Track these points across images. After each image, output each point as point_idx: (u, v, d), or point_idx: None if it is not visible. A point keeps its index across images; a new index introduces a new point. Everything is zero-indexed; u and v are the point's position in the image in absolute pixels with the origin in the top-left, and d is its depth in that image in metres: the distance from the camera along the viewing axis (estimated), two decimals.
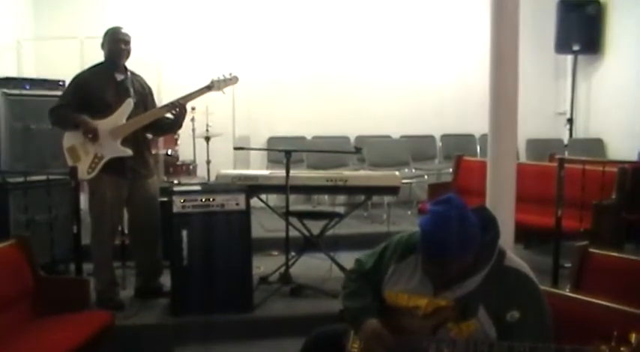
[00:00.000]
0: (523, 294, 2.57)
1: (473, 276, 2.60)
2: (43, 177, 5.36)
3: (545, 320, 2.58)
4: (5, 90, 5.71)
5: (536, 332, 2.49)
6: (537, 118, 9.06)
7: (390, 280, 2.83)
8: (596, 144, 9.11)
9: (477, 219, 2.61)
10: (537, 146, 9.05)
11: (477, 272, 2.61)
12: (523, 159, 8.75)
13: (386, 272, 2.85)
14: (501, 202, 4.33)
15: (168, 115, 5.12)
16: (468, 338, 2.54)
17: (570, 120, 9.44)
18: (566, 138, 9.40)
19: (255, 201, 5.63)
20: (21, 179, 5.36)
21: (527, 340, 2.44)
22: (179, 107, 5.04)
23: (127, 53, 5.07)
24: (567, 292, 3.32)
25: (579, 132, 9.51)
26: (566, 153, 8.64)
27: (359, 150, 7.22)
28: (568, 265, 4.14)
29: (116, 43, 5.01)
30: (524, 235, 5.94)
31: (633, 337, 2.19)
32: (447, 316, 2.60)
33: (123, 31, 5.07)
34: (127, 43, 5.05)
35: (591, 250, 3.68)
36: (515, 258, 2.73)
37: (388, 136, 9.27)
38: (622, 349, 2.18)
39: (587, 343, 2.28)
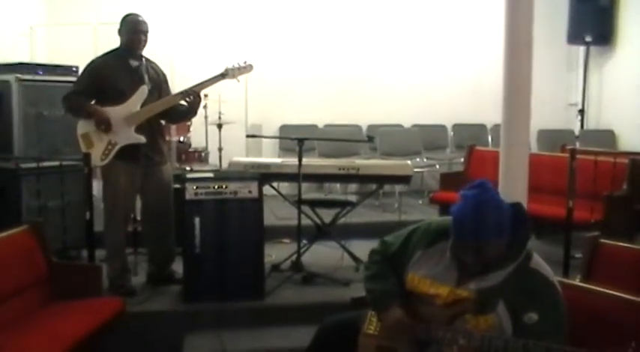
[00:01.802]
0: (544, 299, 2.59)
1: (498, 270, 2.63)
2: (55, 163, 5.39)
3: (561, 328, 2.59)
4: (19, 76, 5.69)
5: (550, 338, 2.48)
6: (549, 109, 9.02)
7: (415, 264, 2.85)
8: (608, 136, 9.09)
9: (510, 211, 2.64)
10: (549, 137, 9.05)
11: (503, 267, 2.63)
12: (534, 149, 8.73)
13: (411, 256, 2.87)
14: (514, 192, 4.32)
15: (183, 103, 5.13)
16: (484, 332, 2.55)
17: (582, 112, 9.40)
18: (577, 129, 9.37)
19: (267, 189, 5.64)
20: (34, 165, 5.38)
21: (544, 341, 2.44)
22: (193, 95, 5.05)
23: (145, 43, 5.07)
24: (578, 282, 3.33)
25: (590, 124, 9.48)
26: (578, 144, 8.61)
27: (371, 138, 7.24)
28: (579, 256, 4.15)
29: (136, 34, 5.00)
30: (536, 225, 5.95)
31: None
32: (466, 308, 2.62)
33: (141, 19, 5.05)
34: (146, 33, 5.05)
35: (602, 241, 3.71)
36: (542, 262, 2.73)
37: (400, 125, 9.27)
38: None
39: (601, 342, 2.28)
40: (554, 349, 2.40)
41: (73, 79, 5.33)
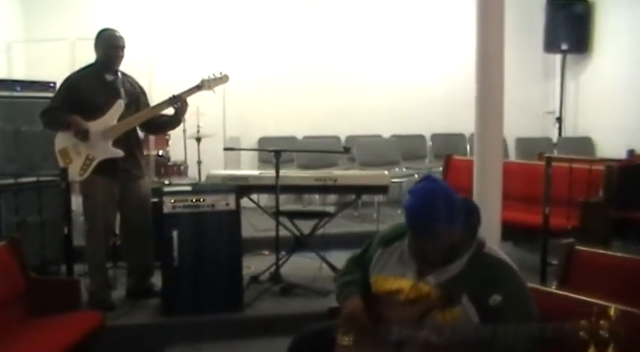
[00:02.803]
0: (503, 279, 2.65)
1: (455, 261, 2.69)
2: (33, 179, 5.38)
3: (527, 300, 2.66)
4: None
5: (520, 313, 2.57)
6: (526, 117, 9.11)
7: (377, 265, 2.92)
8: (585, 143, 9.16)
9: (460, 200, 2.72)
10: (526, 145, 9.09)
11: (459, 257, 2.70)
12: (512, 157, 8.82)
13: (372, 257, 2.95)
14: (488, 200, 4.37)
15: (166, 112, 5.13)
16: (453, 325, 2.59)
17: (559, 119, 9.49)
18: (555, 137, 9.45)
19: (246, 201, 5.67)
20: (11, 181, 5.37)
21: (513, 321, 2.51)
22: (180, 101, 5.06)
23: (122, 58, 5.08)
24: (553, 289, 3.36)
25: (568, 131, 9.56)
26: (555, 151, 8.70)
27: (347, 149, 7.27)
28: (556, 262, 4.18)
29: (114, 50, 5.02)
30: (513, 233, 5.98)
31: (612, 310, 2.29)
32: (433, 304, 2.66)
33: (118, 34, 5.06)
34: (123, 48, 5.06)
35: (577, 247, 3.71)
36: (495, 248, 2.82)
37: (379, 136, 9.30)
38: (601, 322, 2.27)
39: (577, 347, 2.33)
40: (523, 328, 2.46)
41: (51, 94, 5.33)
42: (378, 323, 2.81)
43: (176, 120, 5.25)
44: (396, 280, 2.80)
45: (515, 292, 2.64)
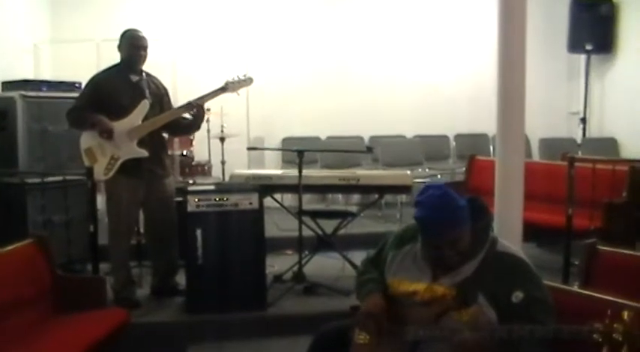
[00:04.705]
0: (521, 275, 2.69)
1: (469, 262, 2.72)
2: (60, 178, 5.46)
3: (547, 295, 2.69)
4: (23, 93, 5.77)
5: (543, 306, 2.62)
6: (550, 118, 9.09)
7: (391, 267, 2.95)
8: (610, 144, 9.09)
9: (465, 202, 2.73)
10: (550, 145, 9.03)
11: (473, 257, 2.73)
12: (536, 158, 8.76)
13: (386, 259, 2.99)
14: (510, 200, 4.37)
15: (186, 116, 5.18)
16: (469, 325, 2.60)
17: (584, 120, 9.41)
18: (579, 138, 9.38)
19: (270, 201, 5.70)
20: (38, 180, 5.46)
21: (537, 315, 2.56)
22: (197, 107, 5.11)
23: (145, 58, 5.13)
24: (575, 288, 3.35)
25: (593, 132, 9.49)
26: (580, 152, 8.63)
27: (370, 149, 7.27)
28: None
29: (135, 49, 5.06)
30: (536, 234, 5.97)
31: (625, 314, 2.30)
32: (450, 305, 2.68)
33: (141, 35, 5.12)
34: (146, 48, 5.11)
35: (600, 247, 3.71)
36: (508, 244, 2.85)
37: (402, 136, 9.28)
38: (615, 326, 2.29)
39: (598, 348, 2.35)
40: (538, 329, 2.49)
41: (77, 94, 5.39)
42: (394, 323, 2.84)
43: (194, 124, 5.31)
44: (412, 283, 2.83)
45: (535, 287, 2.67)
